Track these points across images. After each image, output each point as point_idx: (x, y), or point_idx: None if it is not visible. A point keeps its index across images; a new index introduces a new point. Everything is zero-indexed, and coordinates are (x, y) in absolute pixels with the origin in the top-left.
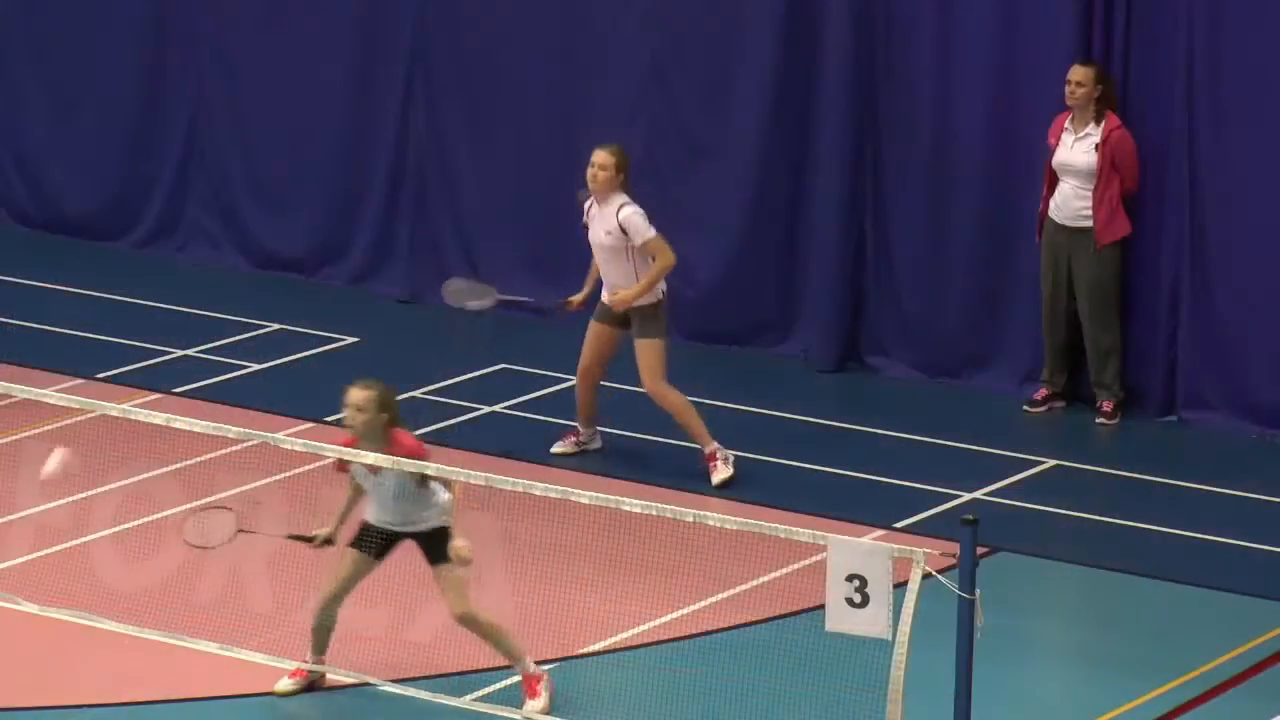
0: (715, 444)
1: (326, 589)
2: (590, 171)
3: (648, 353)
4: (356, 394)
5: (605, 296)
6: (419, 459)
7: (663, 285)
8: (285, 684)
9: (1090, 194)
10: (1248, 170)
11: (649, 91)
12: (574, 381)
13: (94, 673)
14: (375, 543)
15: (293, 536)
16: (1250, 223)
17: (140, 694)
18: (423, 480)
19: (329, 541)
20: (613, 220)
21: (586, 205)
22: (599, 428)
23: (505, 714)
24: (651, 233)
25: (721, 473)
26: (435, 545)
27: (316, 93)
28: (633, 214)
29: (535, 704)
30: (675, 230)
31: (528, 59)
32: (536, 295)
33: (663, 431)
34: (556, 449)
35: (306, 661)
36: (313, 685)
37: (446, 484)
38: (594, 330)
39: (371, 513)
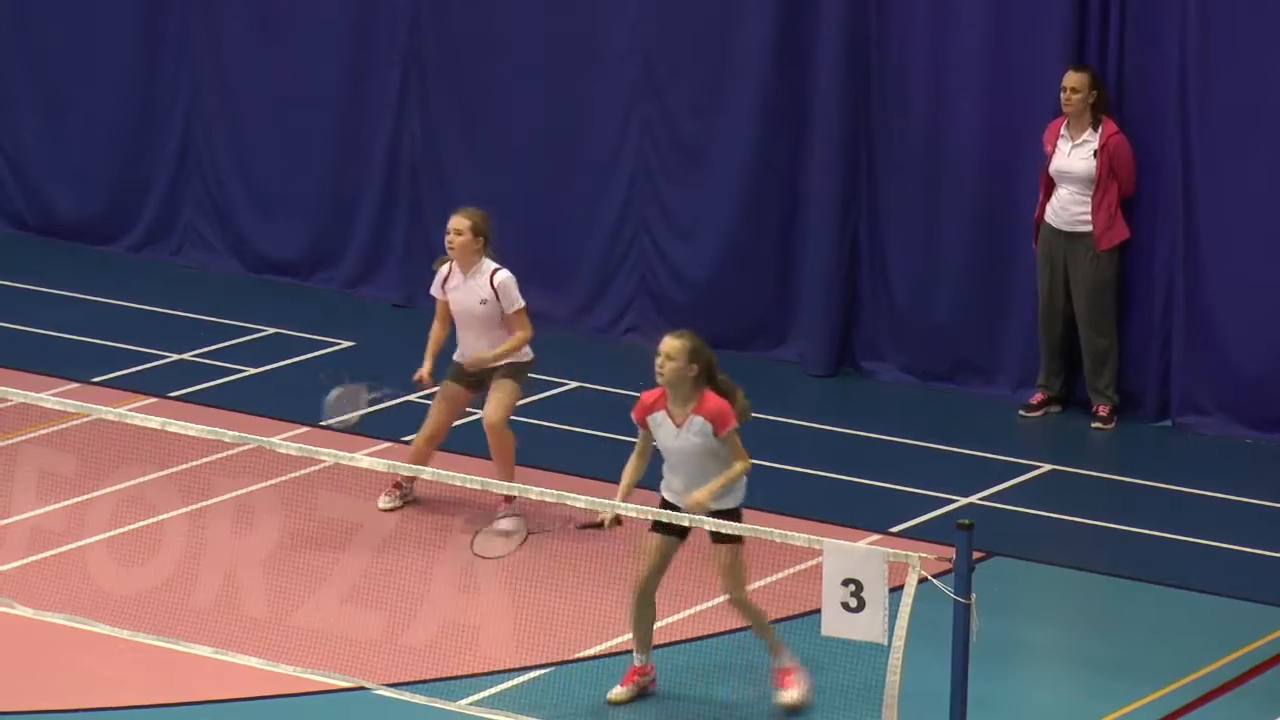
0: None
1: (637, 579)
2: (447, 239)
3: (506, 391)
4: (669, 343)
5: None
6: (722, 421)
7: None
8: (618, 691)
9: (1089, 200)
10: (1241, 175)
11: (642, 96)
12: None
13: (89, 677)
14: (673, 524)
15: (582, 527)
16: (1244, 227)
17: (135, 698)
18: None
19: (618, 521)
20: (487, 288)
21: (443, 273)
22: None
23: (501, 718)
24: (521, 302)
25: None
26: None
27: (311, 97)
28: (508, 279)
29: (788, 695)
30: (669, 234)
31: (521, 64)
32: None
33: None
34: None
35: (634, 665)
36: (644, 690)
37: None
38: (449, 391)
39: (668, 482)
